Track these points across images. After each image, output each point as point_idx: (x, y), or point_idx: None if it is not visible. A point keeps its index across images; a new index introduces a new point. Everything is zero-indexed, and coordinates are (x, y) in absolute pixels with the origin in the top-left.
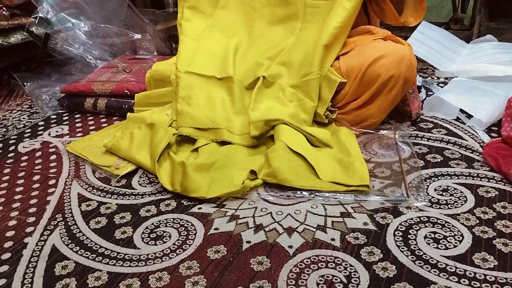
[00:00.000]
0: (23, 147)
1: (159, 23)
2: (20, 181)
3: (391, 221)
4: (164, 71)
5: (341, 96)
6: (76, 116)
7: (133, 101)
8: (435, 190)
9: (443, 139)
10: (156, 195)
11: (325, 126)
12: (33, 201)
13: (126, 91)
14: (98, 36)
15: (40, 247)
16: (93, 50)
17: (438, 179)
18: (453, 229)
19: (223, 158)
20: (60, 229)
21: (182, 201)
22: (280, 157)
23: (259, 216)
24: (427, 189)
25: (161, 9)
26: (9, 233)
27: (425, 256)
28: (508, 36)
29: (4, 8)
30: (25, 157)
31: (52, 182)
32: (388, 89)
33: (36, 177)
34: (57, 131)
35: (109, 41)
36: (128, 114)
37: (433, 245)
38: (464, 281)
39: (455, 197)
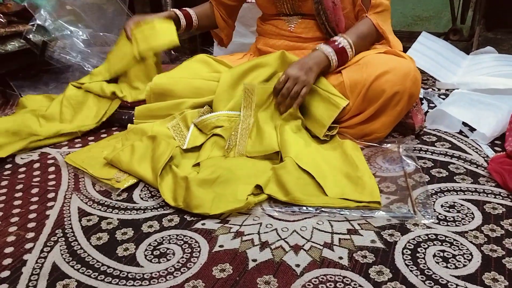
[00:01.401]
0: (21, 158)
1: None
2: (18, 194)
3: (399, 239)
4: (164, 84)
5: (345, 111)
6: None
7: (132, 112)
8: (442, 206)
9: (447, 153)
10: (158, 209)
11: (328, 140)
12: (32, 216)
13: (126, 102)
14: (96, 44)
15: (40, 265)
16: (91, 59)
17: (444, 195)
18: (461, 247)
19: (227, 173)
20: (60, 245)
21: (185, 216)
22: (289, 174)
23: (264, 232)
24: (433, 205)
25: None
26: (8, 250)
27: (435, 276)
28: (506, 46)
29: (1, 15)
30: (22, 169)
31: (51, 195)
32: (393, 104)
33: (34, 190)
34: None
35: (107, 49)
36: (129, 125)
37: (442, 264)
38: None
39: (462, 213)
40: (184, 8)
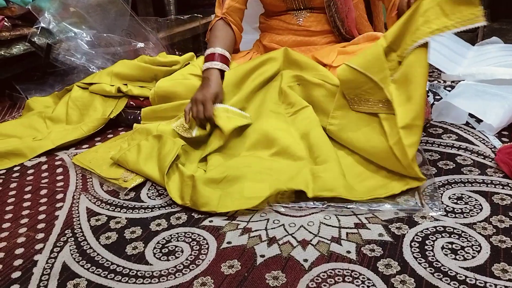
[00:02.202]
0: (29, 160)
1: (162, 31)
2: (27, 196)
3: (407, 232)
4: (168, 87)
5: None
6: None
7: (138, 111)
8: (449, 198)
9: (454, 145)
10: (166, 208)
11: None
12: (41, 217)
13: (131, 103)
14: (101, 45)
15: (50, 265)
16: (95, 60)
17: (452, 187)
18: (470, 239)
19: (233, 171)
20: (70, 245)
21: (192, 214)
22: (331, 171)
23: (272, 228)
24: (441, 197)
25: (164, 17)
26: (18, 251)
27: (444, 268)
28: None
29: (5, 18)
30: (31, 171)
31: (59, 196)
32: None
33: (43, 191)
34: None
35: (111, 50)
36: (135, 125)
37: (451, 256)
38: None
39: (470, 205)
40: (218, 54)
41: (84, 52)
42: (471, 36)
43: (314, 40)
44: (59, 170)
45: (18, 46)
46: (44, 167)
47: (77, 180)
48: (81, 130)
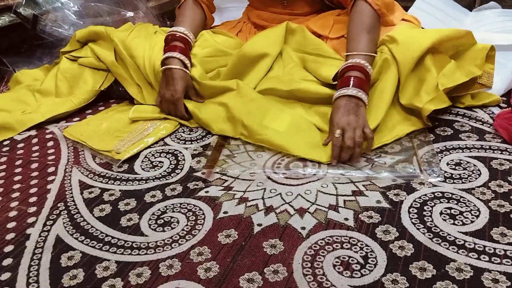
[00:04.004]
0: (18, 134)
1: (152, 0)
2: (18, 170)
3: (405, 198)
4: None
5: None
6: None
7: None
8: (448, 164)
9: (452, 111)
10: (161, 179)
11: None
12: (33, 190)
13: None
14: (89, 15)
15: (43, 238)
16: None
17: (450, 153)
18: (469, 204)
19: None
20: (63, 218)
21: (188, 185)
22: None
23: (269, 197)
24: (439, 163)
25: None
26: (11, 225)
27: (442, 233)
28: (510, 1)
29: None
30: (21, 144)
31: (51, 169)
32: None
33: (34, 165)
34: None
35: (100, 20)
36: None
37: (449, 221)
38: (484, 257)
39: (468, 170)
40: (179, 34)
41: (72, 23)
42: (468, 2)
43: (303, 20)
44: (50, 143)
45: (3, 18)
46: (35, 140)
47: (68, 153)
48: (71, 103)
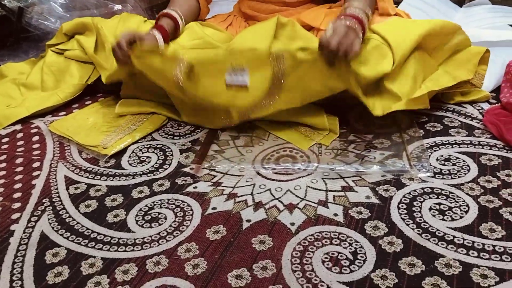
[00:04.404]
0: (3, 128)
1: None
2: (2, 165)
3: (394, 194)
4: None
5: None
6: None
7: None
8: (437, 160)
9: (442, 107)
10: (148, 175)
11: None
12: (17, 186)
13: None
14: (76, 8)
15: (28, 234)
16: None
17: (439, 148)
18: (458, 199)
19: None
20: (48, 214)
21: (176, 181)
22: None
23: (258, 193)
24: (429, 158)
25: None
26: None
27: (432, 229)
28: None
29: None
30: (5, 139)
31: (36, 164)
32: None
33: (19, 160)
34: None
35: (87, 13)
36: None
37: (438, 217)
38: (473, 253)
39: (457, 166)
40: (169, 15)
41: (59, 16)
42: None
43: (294, 11)
44: (35, 138)
45: None
46: (20, 135)
47: (54, 148)
48: (57, 97)
